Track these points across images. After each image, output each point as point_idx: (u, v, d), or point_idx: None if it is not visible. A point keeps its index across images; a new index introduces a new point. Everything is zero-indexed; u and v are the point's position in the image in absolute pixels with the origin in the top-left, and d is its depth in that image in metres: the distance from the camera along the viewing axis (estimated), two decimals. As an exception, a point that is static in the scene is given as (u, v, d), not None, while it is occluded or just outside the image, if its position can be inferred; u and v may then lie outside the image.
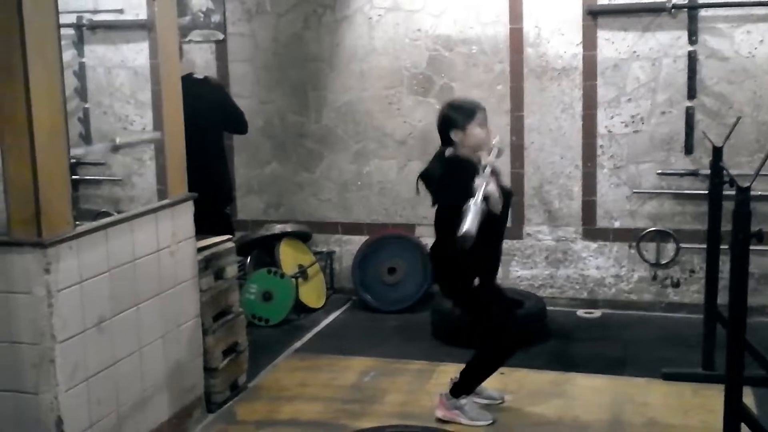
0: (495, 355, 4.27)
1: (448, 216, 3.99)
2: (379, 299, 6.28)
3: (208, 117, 5.39)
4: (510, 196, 4.18)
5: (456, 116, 4.08)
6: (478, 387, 4.43)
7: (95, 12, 6.82)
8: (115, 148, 5.83)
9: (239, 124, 5.83)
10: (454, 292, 4.34)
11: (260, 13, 6.53)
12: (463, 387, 4.29)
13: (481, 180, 3.86)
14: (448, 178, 4.00)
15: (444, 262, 4.24)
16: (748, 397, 4.32)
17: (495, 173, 4.01)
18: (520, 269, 6.24)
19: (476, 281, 4.12)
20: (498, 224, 4.11)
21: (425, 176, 4.14)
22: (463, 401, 4.28)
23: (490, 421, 4.26)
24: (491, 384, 4.55)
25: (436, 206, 4.16)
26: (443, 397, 4.32)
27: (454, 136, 4.05)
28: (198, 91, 5.28)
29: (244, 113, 5.75)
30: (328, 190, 6.61)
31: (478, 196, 3.78)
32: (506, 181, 4.36)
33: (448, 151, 4.09)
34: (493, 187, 3.89)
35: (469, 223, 3.70)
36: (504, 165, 5.65)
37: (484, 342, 4.28)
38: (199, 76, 5.65)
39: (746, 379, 3.97)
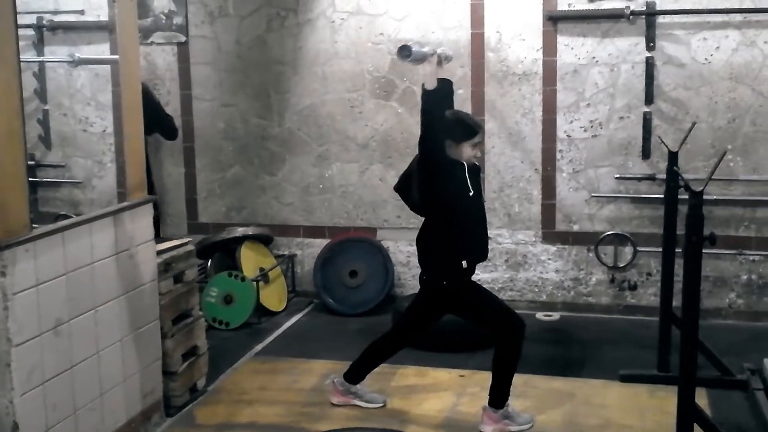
0: (510, 351, 4.22)
1: (429, 190, 4.15)
2: (341, 302, 6.29)
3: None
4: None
5: (457, 130, 4.16)
6: (360, 390, 4.55)
7: (56, 13, 6.76)
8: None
9: (171, 129, 5.84)
10: (445, 288, 4.27)
11: (223, 15, 6.52)
12: (502, 393, 4.25)
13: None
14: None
15: (432, 246, 4.26)
16: (703, 398, 4.41)
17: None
18: (480, 272, 6.25)
19: (464, 263, 4.17)
20: (479, 200, 4.24)
21: (406, 176, 4.34)
22: (509, 409, 4.26)
23: (531, 423, 4.29)
24: (449, 385, 4.59)
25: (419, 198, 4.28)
26: (489, 410, 4.25)
27: (448, 145, 4.14)
28: None
29: (173, 119, 5.75)
30: (290, 193, 6.61)
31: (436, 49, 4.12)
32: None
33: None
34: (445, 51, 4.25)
35: (417, 47, 4.07)
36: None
37: (498, 341, 4.25)
38: None
39: (700, 381, 4.05)
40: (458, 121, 4.22)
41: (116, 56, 4.21)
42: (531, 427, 4.28)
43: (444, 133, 4.11)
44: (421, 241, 4.34)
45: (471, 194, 4.15)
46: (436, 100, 4.07)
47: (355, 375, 4.58)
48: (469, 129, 4.19)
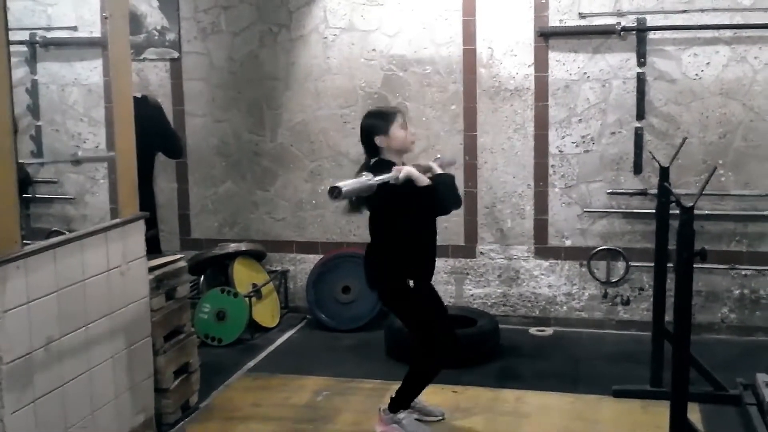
0: (428, 367, 4.30)
1: (380, 215, 4.15)
2: (334, 318, 6.28)
3: (145, 138, 5.18)
4: (447, 179, 4.19)
5: (377, 122, 4.17)
6: (419, 403, 4.49)
7: (48, 29, 6.78)
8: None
9: (176, 148, 5.83)
10: (391, 297, 4.32)
11: (215, 31, 6.53)
12: (400, 401, 4.34)
13: (395, 169, 3.94)
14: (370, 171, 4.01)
15: (377, 264, 4.26)
16: (696, 414, 4.42)
17: (422, 168, 4.09)
18: (473, 288, 6.28)
19: (411, 282, 4.17)
20: (431, 220, 4.22)
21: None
22: (401, 416, 4.32)
23: None
24: (442, 401, 4.58)
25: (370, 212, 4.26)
26: (382, 412, 4.38)
27: (379, 142, 4.13)
28: (136, 110, 5.20)
29: (180, 137, 5.73)
30: (282, 208, 6.61)
31: (378, 177, 3.85)
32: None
33: (374, 160, 4.17)
34: (409, 169, 3.95)
35: (349, 184, 3.72)
36: (457, 184, 5.70)
37: (419, 353, 4.30)
38: (137, 94, 5.40)
39: (693, 396, 4.06)
40: (374, 115, 4.24)
41: (112, 153, 4.24)
42: None
43: (370, 133, 4.14)
44: (368, 262, 4.31)
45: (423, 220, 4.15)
46: (436, 190, 4.01)
47: (405, 404, 4.43)
48: (387, 114, 4.20)
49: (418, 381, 4.33)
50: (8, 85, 3.29)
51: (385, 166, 4.04)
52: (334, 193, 3.60)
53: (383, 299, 4.44)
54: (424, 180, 3.97)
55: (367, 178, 3.82)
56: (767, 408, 4.29)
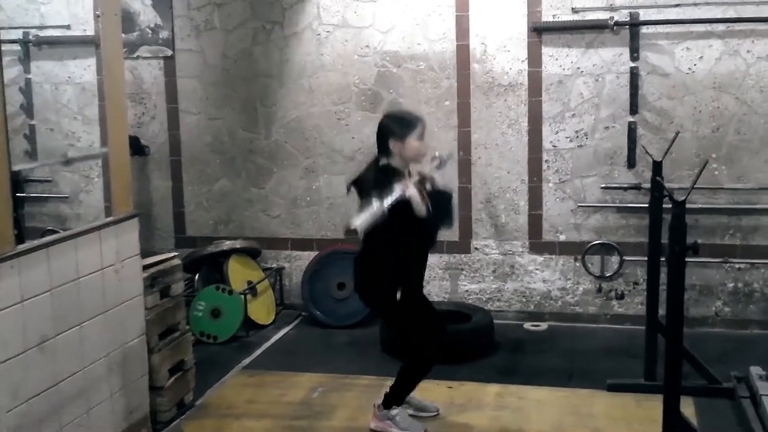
0: (417, 366, 4.34)
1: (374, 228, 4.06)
2: (329, 315, 6.29)
3: None
4: (444, 198, 4.18)
5: (396, 127, 4.14)
6: (414, 399, 4.50)
7: (41, 28, 6.76)
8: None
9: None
10: (375, 303, 4.41)
11: (209, 29, 6.53)
12: (393, 397, 4.36)
13: (400, 186, 3.91)
14: (377, 185, 4.00)
15: (368, 272, 4.29)
16: (689, 407, 4.43)
17: (424, 181, 4.04)
18: (468, 283, 6.29)
19: (398, 295, 4.18)
20: (426, 235, 4.19)
21: (358, 182, 4.21)
22: (394, 412, 4.34)
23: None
24: (437, 397, 4.60)
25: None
26: (376, 408, 4.41)
27: (393, 146, 4.12)
28: None
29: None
30: (277, 206, 6.61)
31: (387, 200, 3.82)
32: (450, 186, 4.47)
33: (383, 161, 4.15)
34: (412, 192, 3.91)
35: (362, 219, 3.75)
36: (451, 180, 5.72)
37: (409, 352, 4.34)
38: None
39: (687, 389, 4.08)
40: (396, 119, 4.24)
41: (105, 149, 4.24)
42: None
43: (386, 135, 4.12)
44: (359, 267, 4.35)
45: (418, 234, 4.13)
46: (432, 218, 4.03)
47: (398, 400, 4.45)
48: (409, 122, 4.17)
49: (410, 378, 4.36)
50: (1, 85, 3.28)
51: (391, 174, 4.04)
52: (353, 234, 3.70)
53: (369, 304, 4.52)
54: (421, 211, 3.94)
55: (377, 206, 3.80)
56: (761, 401, 4.31)
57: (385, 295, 4.24)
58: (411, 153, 4.13)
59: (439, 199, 4.08)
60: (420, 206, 3.94)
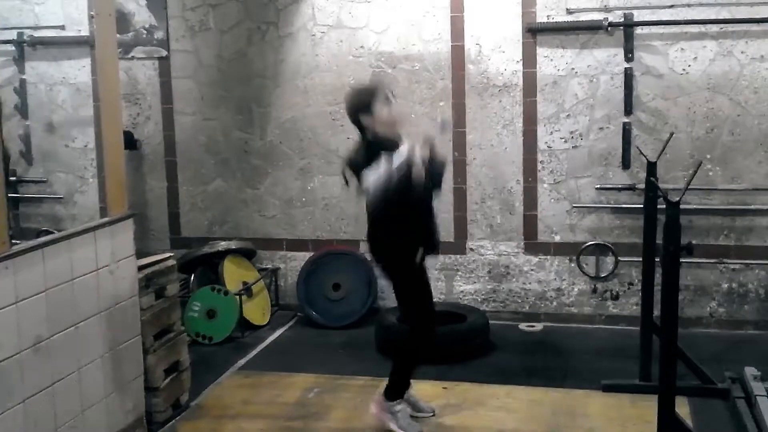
0: (414, 346, 4.35)
1: (378, 193, 4.06)
2: (324, 315, 6.29)
3: None
4: (441, 167, 4.31)
5: (357, 103, 4.19)
6: (412, 398, 4.50)
7: (36, 28, 6.76)
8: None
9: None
10: (392, 266, 4.34)
11: (203, 30, 6.53)
12: (393, 388, 4.35)
13: (407, 148, 3.95)
14: (373, 156, 4.01)
15: (380, 236, 4.30)
16: (684, 407, 4.43)
17: (430, 144, 4.07)
18: (463, 284, 6.29)
19: (419, 257, 4.20)
20: (426, 195, 4.21)
21: (352, 163, 4.19)
22: (398, 408, 4.33)
23: None
24: (432, 397, 4.60)
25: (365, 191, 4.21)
26: (380, 396, 4.39)
27: (366, 120, 4.14)
28: None
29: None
30: (272, 206, 6.61)
31: (396, 161, 3.88)
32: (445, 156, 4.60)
33: (367, 137, 4.16)
34: (418, 154, 3.94)
35: (373, 178, 3.87)
36: (446, 180, 5.71)
37: (409, 332, 4.36)
38: None
39: (681, 389, 4.08)
40: (356, 94, 4.28)
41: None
42: None
43: (356, 113, 4.15)
44: (373, 245, 4.38)
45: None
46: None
47: (400, 390, 4.46)
48: (368, 91, 4.22)
49: (407, 361, 4.36)
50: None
51: (383, 144, 4.03)
52: (367, 193, 3.87)
53: (385, 269, 4.40)
54: (420, 177, 3.96)
55: (386, 167, 3.87)
56: (755, 401, 4.32)
57: (399, 252, 4.24)
58: (384, 119, 4.14)
59: (434, 168, 4.15)
60: (420, 172, 3.95)
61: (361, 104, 4.16)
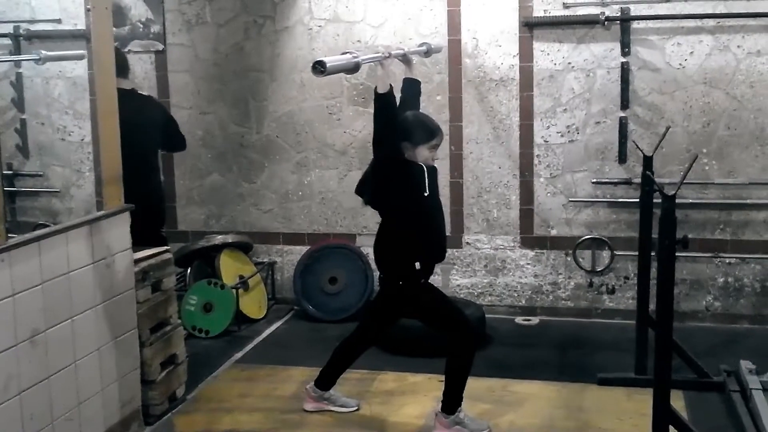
0: (465, 350, 4.25)
1: (385, 190, 4.18)
2: (321, 309, 6.30)
3: (150, 134, 5.34)
4: (416, 84, 4.62)
5: (417, 132, 4.16)
6: (333, 395, 4.56)
7: (32, 21, 6.75)
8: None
9: (180, 144, 5.78)
10: (402, 288, 4.32)
11: (200, 23, 6.52)
12: (453, 399, 4.25)
13: (382, 52, 4.15)
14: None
15: (386, 247, 4.31)
16: (680, 401, 4.45)
17: (406, 60, 4.49)
18: (459, 278, 6.30)
19: (417, 265, 4.21)
20: (435, 201, 4.24)
21: (364, 183, 4.35)
22: (461, 416, 4.24)
23: (485, 430, 4.28)
24: (428, 391, 4.61)
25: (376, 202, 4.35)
26: (440, 416, 4.26)
27: (404, 146, 4.14)
28: (141, 107, 5.25)
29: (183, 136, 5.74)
30: (269, 200, 6.61)
31: (365, 57, 4.04)
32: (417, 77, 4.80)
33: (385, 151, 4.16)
34: (389, 62, 4.14)
35: (333, 59, 3.90)
36: (443, 174, 5.72)
37: (449, 343, 4.28)
38: (144, 92, 5.71)
39: (677, 383, 4.09)
40: (417, 123, 4.22)
41: (82, 51, 4.19)
42: None
43: (401, 134, 4.12)
44: (378, 243, 4.37)
45: (426, 195, 4.14)
46: (389, 102, 4.03)
47: (325, 381, 4.59)
48: (427, 132, 4.19)
49: (460, 373, 4.26)
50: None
51: (402, 165, 4.12)
52: (318, 68, 3.72)
53: (399, 303, 4.39)
54: (384, 85, 4.00)
55: (353, 56, 3.95)
56: (750, 395, 4.33)
57: (405, 268, 4.28)
58: (418, 159, 4.16)
59: (410, 87, 4.42)
60: (385, 80, 4.01)
61: (418, 135, 4.15)
